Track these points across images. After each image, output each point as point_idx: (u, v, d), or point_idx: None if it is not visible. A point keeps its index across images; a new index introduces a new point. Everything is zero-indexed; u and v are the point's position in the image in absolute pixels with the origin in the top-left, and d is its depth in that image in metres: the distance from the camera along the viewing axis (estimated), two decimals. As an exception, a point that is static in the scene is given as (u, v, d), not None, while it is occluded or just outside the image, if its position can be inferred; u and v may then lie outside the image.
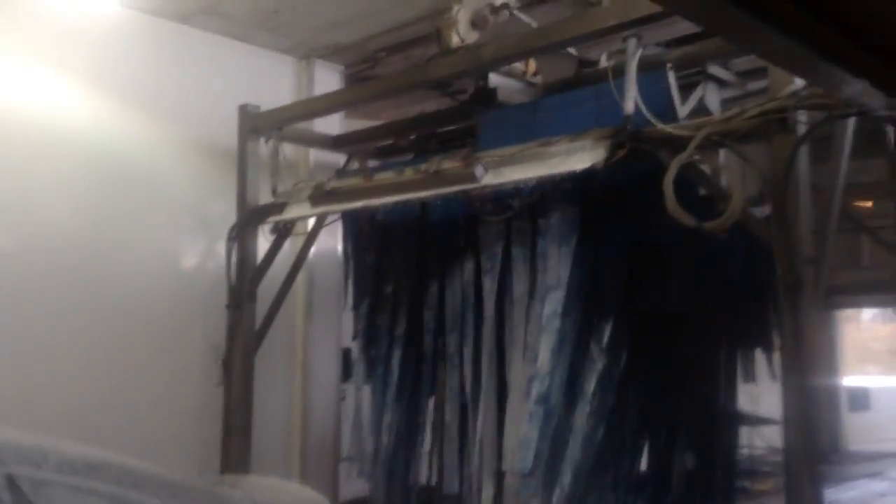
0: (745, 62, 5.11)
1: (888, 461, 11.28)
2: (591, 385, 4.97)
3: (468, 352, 5.63)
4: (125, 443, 5.54)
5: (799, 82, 3.93)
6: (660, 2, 2.07)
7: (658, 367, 5.19)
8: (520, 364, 5.24)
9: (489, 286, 5.50)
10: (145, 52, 6.40)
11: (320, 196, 5.82)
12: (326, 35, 6.92)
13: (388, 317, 6.20)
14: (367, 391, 6.31)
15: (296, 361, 7.13)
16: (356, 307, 6.51)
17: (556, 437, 4.99)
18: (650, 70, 4.70)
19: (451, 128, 6.52)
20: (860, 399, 13.64)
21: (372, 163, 6.99)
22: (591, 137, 4.57)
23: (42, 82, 5.84)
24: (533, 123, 5.26)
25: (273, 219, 6.29)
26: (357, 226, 6.59)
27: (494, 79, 5.55)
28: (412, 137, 6.77)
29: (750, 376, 5.55)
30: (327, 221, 6.45)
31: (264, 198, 6.47)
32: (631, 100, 4.43)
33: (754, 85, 5.28)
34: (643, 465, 5.39)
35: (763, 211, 4.45)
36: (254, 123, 6.57)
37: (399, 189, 5.33)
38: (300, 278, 6.88)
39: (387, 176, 5.51)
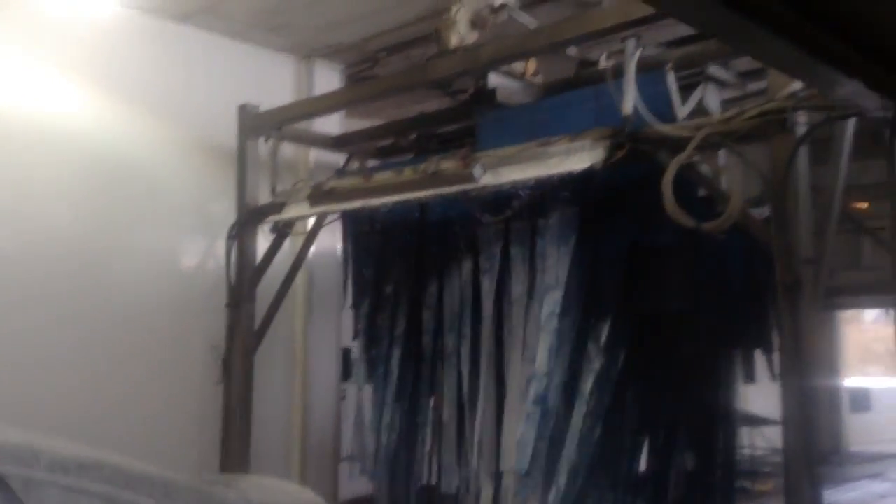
0: (746, 63, 5.10)
1: (889, 462, 11.25)
2: (588, 385, 4.97)
3: (466, 352, 5.63)
4: (125, 441, 5.55)
5: (798, 83, 3.93)
6: (653, 3, 2.07)
7: (657, 368, 5.19)
8: (518, 364, 5.24)
9: (488, 286, 5.49)
10: (145, 52, 6.40)
11: (319, 196, 5.82)
12: (326, 35, 6.92)
13: (389, 317, 6.20)
14: (368, 391, 6.31)
15: (295, 361, 7.13)
16: (356, 307, 6.51)
17: (554, 438, 4.99)
18: (650, 71, 4.69)
19: (451, 128, 6.52)
20: (861, 400, 13.62)
21: (372, 163, 6.99)
22: (590, 138, 4.57)
23: (41, 82, 5.84)
24: (533, 124, 5.25)
25: (272, 218, 6.30)
26: (357, 225, 6.59)
27: (494, 79, 5.55)
28: (412, 137, 6.76)
29: (749, 377, 5.53)
30: (327, 221, 6.45)
31: (264, 197, 6.48)
32: (630, 100, 4.42)
33: (754, 86, 5.28)
34: (643, 465, 5.39)
35: (763, 212, 4.44)
36: (254, 123, 6.57)
37: (398, 189, 5.32)
38: (300, 278, 6.89)
39: (386, 176, 5.51)
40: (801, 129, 4.01)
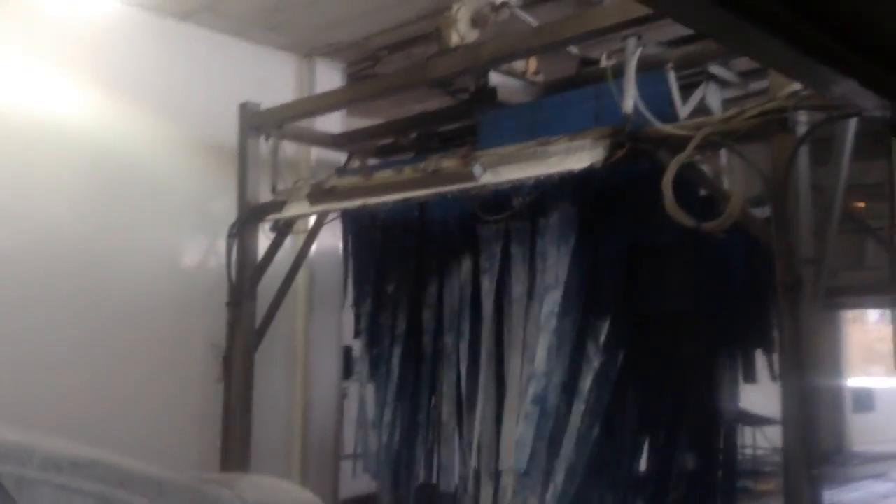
0: (747, 62, 5.06)
1: (892, 462, 11.22)
2: (587, 383, 4.96)
3: (464, 351, 5.62)
4: (125, 440, 5.55)
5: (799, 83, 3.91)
6: (648, 3, 2.06)
7: (658, 368, 5.18)
8: (518, 363, 5.23)
9: (488, 285, 5.48)
10: (146, 50, 6.40)
11: (319, 194, 5.82)
12: (328, 33, 6.92)
13: (390, 315, 6.20)
14: (371, 389, 6.31)
15: (296, 359, 7.13)
16: (358, 305, 6.51)
17: (553, 437, 4.98)
18: (651, 70, 4.67)
19: (452, 126, 6.51)
20: (864, 400, 13.58)
21: (373, 161, 6.98)
22: (590, 137, 4.56)
23: (41, 80, 5.84)
24: (533, 122, 5.24)
25: (272, 217, 6.29)
26: (357, 224, 6.58)
27: (495, 78, 5.53)
28: (413, 136, 6.75)
29: (750, 377, 5.52)
30: (328, 219, 6.44)
31: (265, 196, 6.47)
32: (630, 99, 4.41)
33: (756, 85, 5.25)
34: (643, 465, 5.38)
35: (764, 211, 4.42)
36: (254, 121, 6.57)
37: (397, 188, 5.31)
38: (301, 276, 6.88)
39: (386, 174, 5.50)
40: (802, 129, 3.99)
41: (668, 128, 4.30)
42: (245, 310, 6.42)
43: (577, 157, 4.54)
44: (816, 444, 4.01)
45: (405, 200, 5.34)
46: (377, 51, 7.16)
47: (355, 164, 7.02)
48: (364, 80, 7.28)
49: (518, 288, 5.29)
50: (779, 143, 4.04)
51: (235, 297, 6.42)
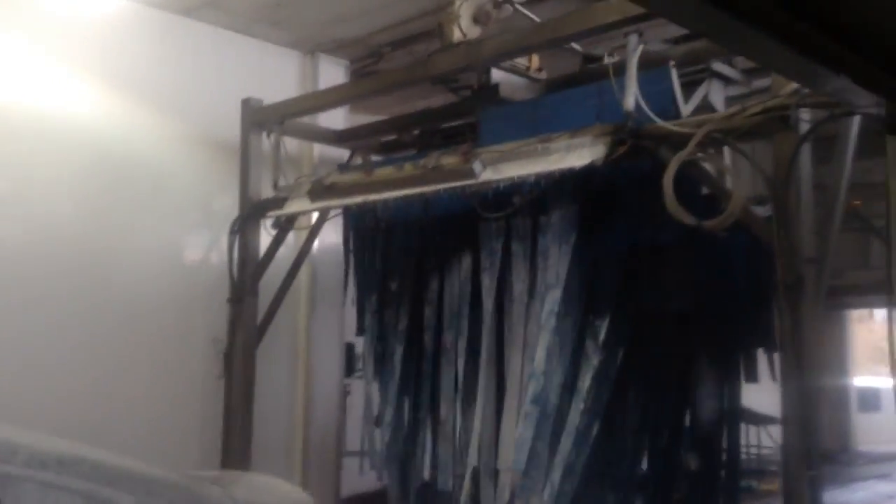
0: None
1: (897, 463, 11.19)
2: (586, 382, 4.93)
3: (463, 348, 5.60)
4: (127, 437, 5.58)
5: (801, 80, 3.88)
6: (642, 3, 2.04)
7: (659, 367, 5.14)
8: (518, 363, 5.21)
9: (488, 283, 5.46)
10: (149, 46, 6.39)
11: (319, 191, 5.81)
12: (331, 30, 6.91)
13: (392, 313, 6.19)
14: (375, 386, 6.30)
15: (298, 356, 7.12)
16: (361, 302, 6.49)
17: (552, 437, 4.96)
18: (654, 67, 4.64)
19: (454, 123, 6.48)
20: (871, 399, 13.53)
21: (375, 158, 6.96)
22: (591, 134, 4.53)
23: (44, 75, 5.84)
24: (535, 120, 5.21)
25: (274, 213, 6.28)
26: (358, 221, 6.57)
27: (497, 74, 5.51)
28: (416, 133, 6.73)
29: (751, 377, 5.48)
30: (330, 216, 6.43)
31: (267, 192, 6.46)
32: (631, 96, 4.38)
33: (760, 82, 5.21)
34: (645, 465, 5.35)
35: (766, 210, 4.39)
36: (257, 117, 6.56)
37: (398, 184, 5.30)
38: (303, 273, 6.88)
39: (386, 171, 5.49)
40: (804, 127, 3.96)
41: (669, 125, 4.28)
42: (247, 306, 6.42)
43: (578, 154, 4.52)
44: (816, 444, 3.99)
45: (406, 197, 5.33)
46: (380, 47, 7.15)
47: (358, 160, 7.01)
48: (367, 77, 7.26)
49: (519, 286, 5.27)
50: (781, 141, 4.01)
51: (237, 293, 6.42)
